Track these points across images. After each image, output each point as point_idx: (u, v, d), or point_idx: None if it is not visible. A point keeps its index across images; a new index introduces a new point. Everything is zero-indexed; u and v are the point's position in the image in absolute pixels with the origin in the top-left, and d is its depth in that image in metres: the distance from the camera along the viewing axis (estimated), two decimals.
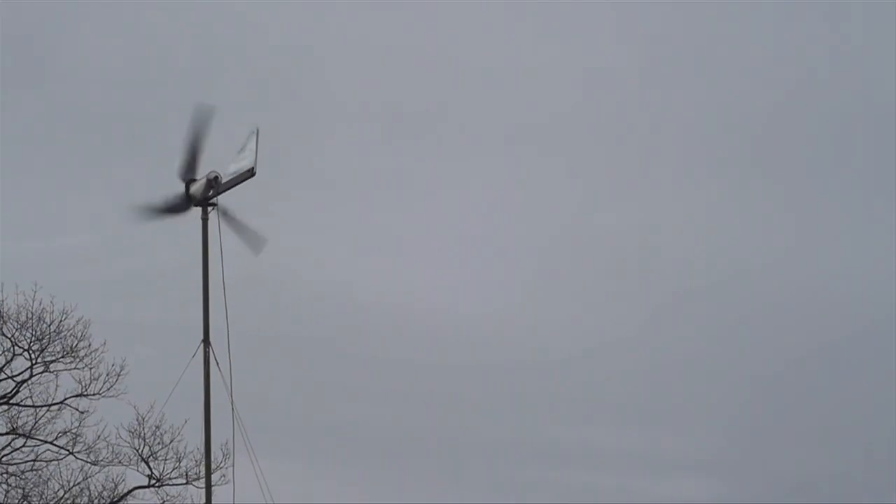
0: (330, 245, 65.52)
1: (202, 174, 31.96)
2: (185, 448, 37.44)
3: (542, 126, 69.93)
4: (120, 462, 37.63)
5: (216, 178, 31.59)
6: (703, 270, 68.10)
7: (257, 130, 31.78)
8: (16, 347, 37.36)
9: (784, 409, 62.82)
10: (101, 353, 37.57)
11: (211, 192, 31.79)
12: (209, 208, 32.19)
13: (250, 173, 31.38)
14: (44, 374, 37.59)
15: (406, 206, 67.63)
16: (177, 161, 32.03)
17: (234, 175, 31.59)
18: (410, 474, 59.44)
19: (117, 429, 37.56)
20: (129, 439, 37.54)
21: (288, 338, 60.03)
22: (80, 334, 37.43)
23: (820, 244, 68.02)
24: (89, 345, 37.45)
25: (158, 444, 37.48)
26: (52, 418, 37.73)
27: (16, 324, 37.20)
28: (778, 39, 70.48)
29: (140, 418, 37.26)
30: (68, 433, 37.71)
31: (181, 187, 32.10)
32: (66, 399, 37.71)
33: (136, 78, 64.79)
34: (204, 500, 33.24)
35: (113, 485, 37.68)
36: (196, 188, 32.11)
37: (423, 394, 61.55)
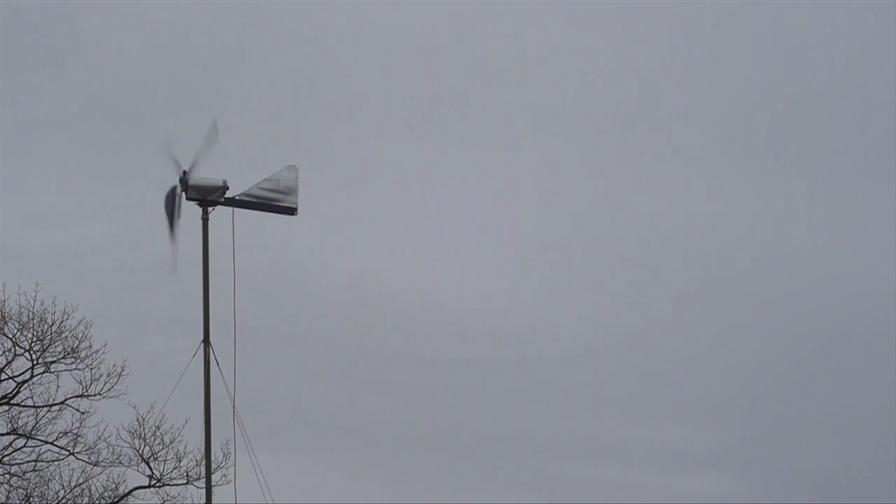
0: (341, 238, 65.55)
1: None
2: (186, 448, 37.53)
3: (558, 117, 69.91)
4: (120, 462, 37.70)
5: (227, 188, 31.95)
6: (719, 262, 68.18)
7: (297, 172, 32.31)
8: (17, 348, 37.34)
9: (803, 402, 62.82)
10: (103, 353, 37.68)
11: (222, 198, 32.05)
12: (210, 208, 32.34)
13: (292, 212, 32.49)
14: (45, 375, 37.65)
15: (418, 198, 67.61)
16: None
17: (270, 203, 32.13)
18: (423, 469, 59.63)
19: (118, 429, 37.65)
20: (129, 440, 37.59)
21: (296, 333, 60.21)
22: (81, 335, 37.49)
23: (838, 235, 68.08)
24: (90, 345, 37.53)
25: (159, 444, 37.50)
26: (53, 419, 37.84)
27: (17, 324, 37.22)
28: (797, 29, 70.30)
29: (140, 419, 37.34)
30: (69, 434, 37.81)
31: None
32: (66, 399, 37.74)
33: (154, 67, 64.99)
34: (204, 500, 33.35)
35: (114, 485, 37.74)
36: (199, 184, 32.17)
37: (436, 388, 61.67)
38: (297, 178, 32.47)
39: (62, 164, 62.42)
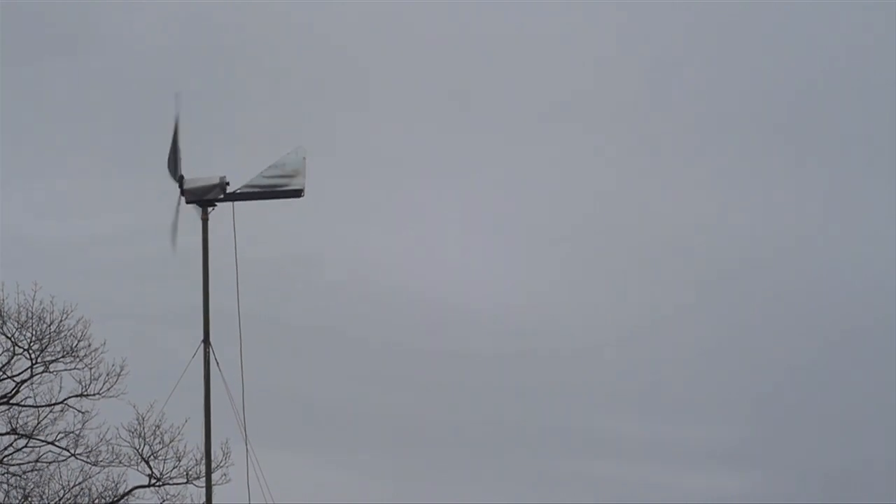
0: (349, 231, 65.29)
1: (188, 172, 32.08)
2: (186, 447, 37.54)
3: (571, 108, 69.45)
4: (120, 462, 37.75)
5: (227, 183, 31.67)
6: (731, 256, 67.64)
7: (304, 153, 31.82)
8: (16, 347, 37.35)
9: (817, 397, 62.31)
10: (102, 353, 37.69)
11: (221, 195, 31.86)
12: (209, 208, 32.20)
13: (298, 194, 31.57)
14: (44, 375, 37.64)
15: (428, 191, 67.21)
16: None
17: (274, 189, 31.64)
18: (432, 466, 59.44)
19: (117, 429, 37.68)
20: (129, 439, 37.62)
21: (303, 328, 60.01)
22: (80, 334, 37.49)
23: (854, 229, 67.59)
24: (89, 345, 37.50)
25: (159, 443, 37.51)
26: (54, 419, 37.87)
27: (16, 324, 37.23)
28: (818, 15, 69.53)
29: (140, 418, 37.35)
30: (69, 434, 37.82)
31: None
32: (66, 399, 37.74)
33: (167, 57, 64.87)
34: (204, 500, 33.30)
35: (113, 485, 37.79)
36: (196, 186, 32.07)
37: (447, 384, 61.38)
38: (304, 159, 31.65)
39: (72, 155, 62.49)
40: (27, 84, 63.38)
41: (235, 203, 31.99)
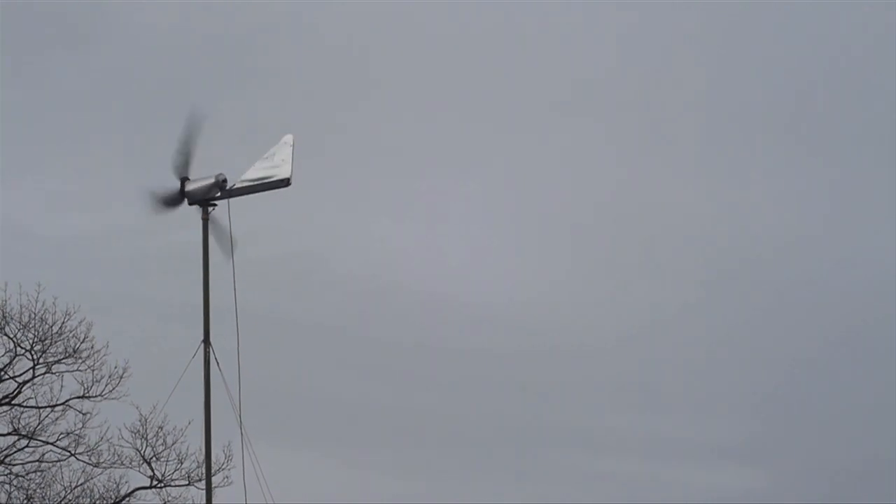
0: (354, 227, 65.27)
1: (197, 172, 32.07)
2: (188, 449, 37.54)
3: (583, 101, 69.34)
4: (122, 463, 37.76)
5: (224, 180, 31.63)
6: (737, 253, 67.53)
7: (293, 142, 31.78)
8: (18, 348, 37.33)
9: (821, 395, 62.19)
10: (104, 354, 37.70)
11: (219, 193, 31.86)
12: (209, 208, 32.21)
13: (285, 183, 31.56)
14: (46, 376, 37.62)
15: (437, 184, 67.14)
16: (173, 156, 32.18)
17: (263, 181, 31.61)
18: (440, 463, 59.44)
19: (119, 430, 37.67)
20: (131, 440, 37.65)
21: (310, 325, 60.02)
22: (82, 336, 37.48)
23: (859, 222, 67.50)
24: (91, 346, 37.52)
25: (161, 445, 37.54)
26: (56, 419, 37.83)
27: (18, 324, 37.20)
28: (825, 6, 69.39)
29: (143, 419, 37.35)
30: (71, 434, 37.79)
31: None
32: (67, 401, 37.72)
33: (177, 51, 64.82)
34: (205, 501, 33.31)
35: (115, 486, 37.79)
36: (196, 187, 32.12)
37: (456, 381, 61.33)
38: (291, 148, 31.70)
39: (72, 153, 62.45)
40: (32, 79, 63.44)
41: (235, 200, 32.13)
